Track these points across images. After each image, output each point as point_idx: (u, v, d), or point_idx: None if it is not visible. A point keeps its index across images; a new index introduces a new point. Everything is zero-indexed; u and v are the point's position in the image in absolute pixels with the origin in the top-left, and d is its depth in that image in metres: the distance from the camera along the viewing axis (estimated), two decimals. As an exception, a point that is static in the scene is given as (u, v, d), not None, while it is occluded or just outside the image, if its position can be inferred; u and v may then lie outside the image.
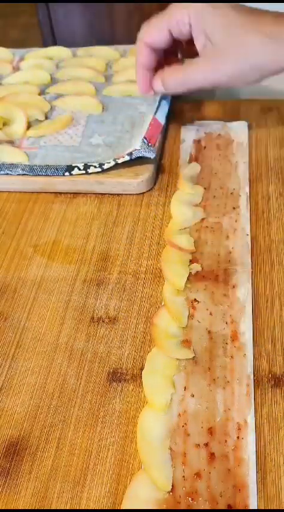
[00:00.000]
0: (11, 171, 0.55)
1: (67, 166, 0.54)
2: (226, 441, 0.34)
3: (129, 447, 0.35)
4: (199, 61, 0.50)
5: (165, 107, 0.60)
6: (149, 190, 0.54)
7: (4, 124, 0.60)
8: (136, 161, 0.53)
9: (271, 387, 0.37)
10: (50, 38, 1.58)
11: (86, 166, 0.53)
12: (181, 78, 0.51)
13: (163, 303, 0.43)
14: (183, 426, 0.35)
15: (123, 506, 0.32)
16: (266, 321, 0.41)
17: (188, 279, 0.44)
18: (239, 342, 0.39)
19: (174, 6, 0.50)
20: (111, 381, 0.39)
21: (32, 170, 0.54)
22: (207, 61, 0.49)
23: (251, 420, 0.35)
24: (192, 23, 0.49)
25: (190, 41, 0.51)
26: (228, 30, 0.47)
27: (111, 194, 0.54)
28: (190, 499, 0.32)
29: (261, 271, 0.45)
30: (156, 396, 0.37)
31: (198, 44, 0.49)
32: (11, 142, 0.58)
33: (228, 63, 0.48)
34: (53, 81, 0.68)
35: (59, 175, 0.54)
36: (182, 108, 0.63)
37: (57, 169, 0.54)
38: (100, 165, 0.53)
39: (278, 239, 0.47)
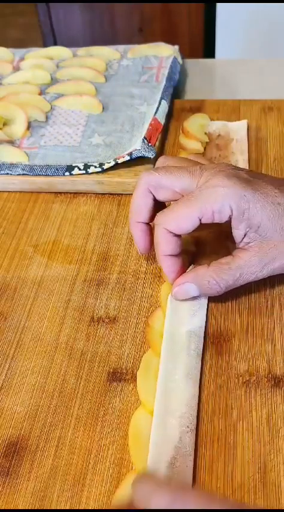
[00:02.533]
0: (11, 171, 0.55)
1: (67, 166, 0.54)
2: (225, 441, 0.35)
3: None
4: (244, 256, 0.40)
5: (165, 107, 0.60)
6: (149, 190, 0.54)
7: (4, 124, 0.60)
8: (136, 161, 0.53)
9: (271, 387, 0.37)
10: (50, 38, 1.59)
11: (86, 166, 0.53)
12: (225, 280, 0.41)
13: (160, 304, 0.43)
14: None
15: (113, 507, 0.32)
16: (266, 321, 0.41)
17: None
18: None
19: (208, 191, 0.39)
20: (111, 381, 0.39)
21: (32, 170, 0.54)
22: (255, 256, 0.40)
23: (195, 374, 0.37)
24: (233, 214, 0.39)
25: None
26: (277, 224, 0.40)
27: (111, 194, 0.54)
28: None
29: (261, 271, 0.45)
30: (149, 397, 0.37)
31: (238, 234, 0.40)
32: (11, 142, 0.59)
33: (281, 259, 0.40)
34: (53, 81, 0.68)
35: (59, 175, 0.54)
36: (182, 108, 0.63)
37: (57, 169, 0.54)
38: (101, 165, 0.53)
39: (277, 239, 0.47)
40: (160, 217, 0.41)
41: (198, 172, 0.41)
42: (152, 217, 0.43)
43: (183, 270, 0.43)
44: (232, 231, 0.40)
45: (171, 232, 0.41)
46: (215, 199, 0.39)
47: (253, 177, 0.41)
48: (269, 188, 0.40)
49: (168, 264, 0.42)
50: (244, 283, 0.41)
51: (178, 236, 0.41)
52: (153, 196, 0.43)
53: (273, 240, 0.40)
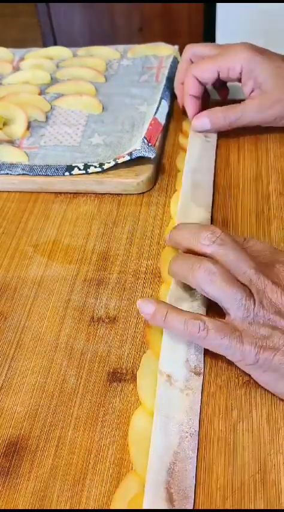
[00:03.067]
0: (11, 170, 0.55)
1: (67, 166, 0.54)
2: (225, 441, 0.35)
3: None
4: (247, 104, 0.55)
5: (165, 107, 0.60)
6: (149, 190, 0.54)
7: (4, 124, 0.60)
8: (136, 161, 0.53)
9: (271, 387, 0.37)
10: (50, 38, 1.59)
11: (86, 166, 0.53)
12: (230, 117, 0.55)
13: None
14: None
15: (113, 507, 0.32)
16: (266, 320, 0.41)
17: (188, 278, 0.44)
18: None
19: (227, 51, 0.55)
20: (111, 381, 0.39)
21: (32, 170, 0.54)
22: (255, 104, 0.54)
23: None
24: (243, 71, 0.54)
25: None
26: (278, 80, 0.53)
27: (111, 194, 0.54)
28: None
29: (261, 271, 0.45)
30: (149, 398, 0.37)
31: (246, 89, 0.55)
32: (11, 142, 0.59)
33: (276, 107, 0.54)
34: (53, 81, 0.68)
35: (59, 175, 0.54)
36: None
37: (57, 169, 0.54)
38: (101, 165, 0.53)
39: (278, 238, 0.47)
40: (190, 67, 0.57)
41: (227, 45, 0.56)
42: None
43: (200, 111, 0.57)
44: (242, 87, 0.55)
45: (196, 78, 0.56)
46: (232, 58, 0.54)
47: (268, 51, 0.55)
48: (276, 57, 0.54)
49: (190, 103, 0.57)
50: (246, 124, 0.55)
51: (201, 85, 0.57)
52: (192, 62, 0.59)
53: (273, 94, 0.53)
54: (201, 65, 0.56)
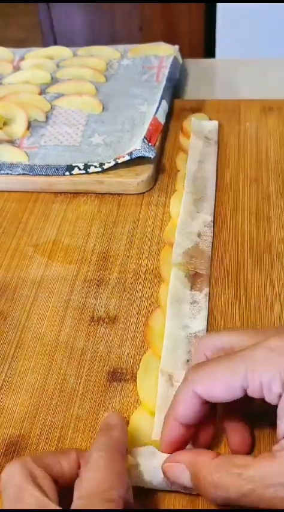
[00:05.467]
0: (11, 170, 0.55)
1: (67, 166, 0.54)
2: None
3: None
4: (274, 465, 0.27)
5: (165, 107, 0.60)
6: (149, 190, 0.54)
7: (4, 124, 0.60)
8: (136, 161, 0.53)
9: (271, 387, 0.37)
10: (50, 38, 1.59)
11: (86, 166, 0.53)
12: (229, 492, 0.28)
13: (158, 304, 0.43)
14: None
15: None
16: (266, 321, 0.41)
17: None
18: None
19: (258, 357, 0.29)
20: (111, 381, 0.39)
21: (32, 170, 0.54)
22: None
23: None
24: None
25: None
26: None
27: (111, 194, 0.54)
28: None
29: (261, 271, 0.45)
30: (149, 397, 0.37)
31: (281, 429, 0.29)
32: (11, 142, 0.59)
33: None
34: (54, 80, 0.68)
35: (59, 175, 0.54)
36: (182, 108, 0.63)
37: (57, 169, 0.54)
38: (101, 164, 0.53)
39: (278, 239, 0.47)
40: (190, 373, 0.31)
41: (264, 331, 0.33)
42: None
43: (184, 445, 0.32)
44: (277, 420, 0.28)
45: (198, 396, 0.30)
46: (267, 365, 0.28)
47: None
48: None
49: (172, 430, 0.31)
50: (253, 506, 0.27)
51: (206, 404, 0.30)
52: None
53: None
54: (208, 375, 0.30)
